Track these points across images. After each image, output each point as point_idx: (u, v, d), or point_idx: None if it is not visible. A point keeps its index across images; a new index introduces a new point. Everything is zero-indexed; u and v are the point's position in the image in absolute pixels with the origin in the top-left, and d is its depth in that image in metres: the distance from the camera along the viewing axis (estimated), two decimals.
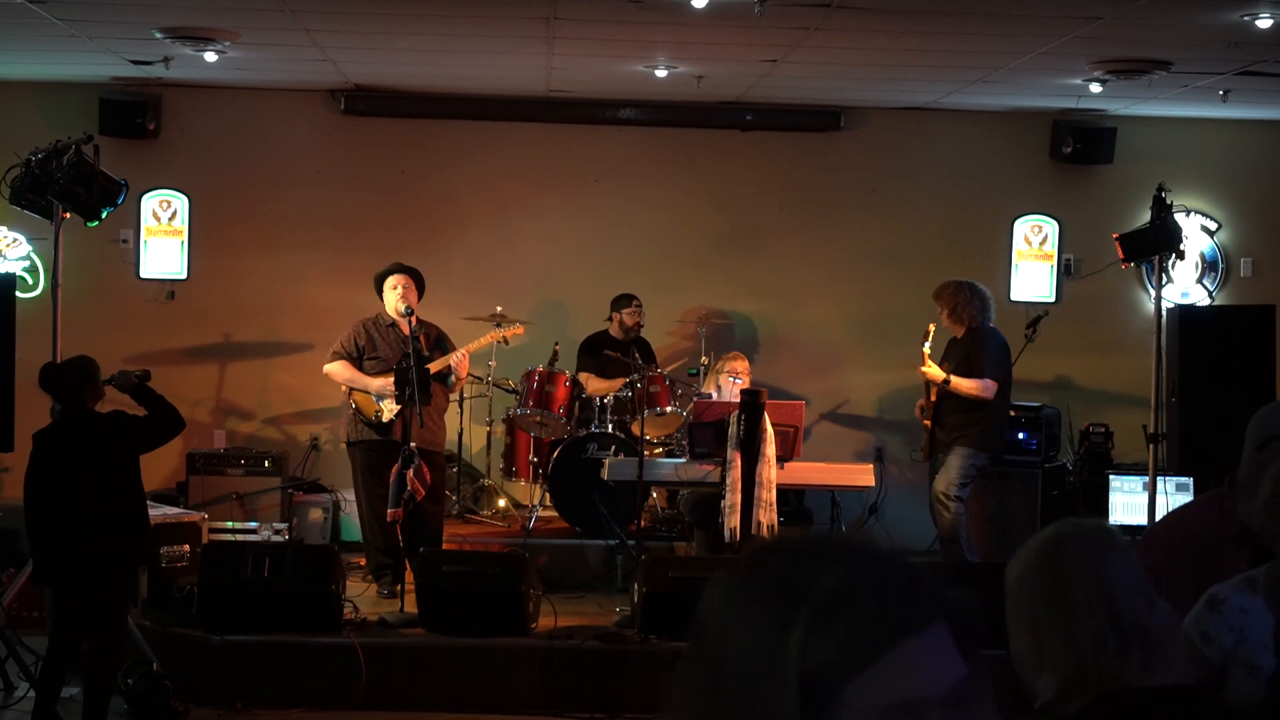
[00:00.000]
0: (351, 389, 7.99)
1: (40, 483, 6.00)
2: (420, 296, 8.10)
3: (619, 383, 9.01)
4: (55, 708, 5.97)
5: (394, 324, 7.97)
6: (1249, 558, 3.24)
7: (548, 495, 8.98)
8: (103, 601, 5.97)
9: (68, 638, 6.01)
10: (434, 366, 7.91)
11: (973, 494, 8.30)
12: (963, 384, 7.95)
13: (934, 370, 8.01)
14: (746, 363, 8.62)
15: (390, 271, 8.05)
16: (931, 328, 8.18)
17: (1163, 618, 2.36)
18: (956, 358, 8.08)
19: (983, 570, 7.24)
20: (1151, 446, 7.62)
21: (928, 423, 8.16)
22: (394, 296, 7.93)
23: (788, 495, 8.97)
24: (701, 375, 9.29)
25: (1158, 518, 7.64)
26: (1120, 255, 7.89)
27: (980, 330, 8.14)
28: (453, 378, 8.07)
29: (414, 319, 7.94)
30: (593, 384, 9.20)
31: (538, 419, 8.92)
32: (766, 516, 7.67)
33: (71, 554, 5.90)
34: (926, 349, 8.07)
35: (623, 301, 9.43)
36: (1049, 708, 2.29)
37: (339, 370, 8.03)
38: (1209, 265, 10.45)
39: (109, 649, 6.00)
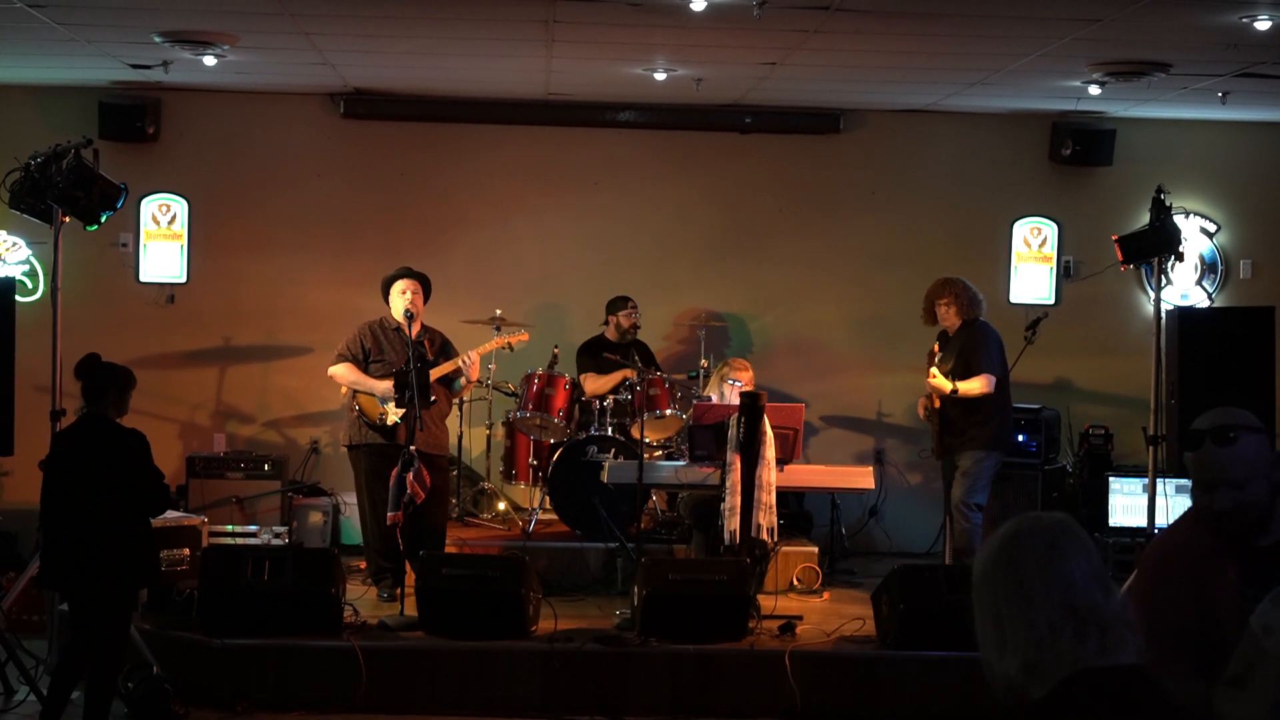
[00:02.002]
0: (355, 392, 7.98)
1: (53, 485, 6.00)
2: (426, 301, 8.10)
3: (617, 376, 9.01)
4: (61, 714, 5.97)
5: (399, 328, 7.97)
6: (1238, 568, 3.26)
7: (547, 498, 8.97)
8: (106, 609, 5.96)
9: (81, 645, 6.00)
10: (441, 370, 7.92)
11: None
12: (970, 389, 7.94)
13: (941, 382, 7.99)
14: (751, 372, 8.60)
15: (399, 276, 8.03)
16: (936, 347, 8.18)
17: (1117, 605, 2.46)
18: (953, 356, 8.07)
19: None
20: (1151, 448, 7.61)
21: (936, 428, 8.14)
22: (403, 302, 7.92)
23: (787, 498, 8.98)
24: (701, 378, 9.29)
25: (1157, 520, 7.64)
26: (1119, 257, 7.88)
27: (974, 325, 8.13)
28: (462, 379, 8.07)
29: (417, 324, 7.94)
30: (591, 383, 9.20)
31: (537, 422, 8.93)
32: (766, 519, 7.67)
33: (78, 560, 5.89)
34: (934, 370, 8.06)
35: (618, 304, 9.45)
36: (1013, 689, 2.42)
37: (343, 373, 8.01)
38: (1208, 267, 10.45)
39: (111, 655, 5.99)
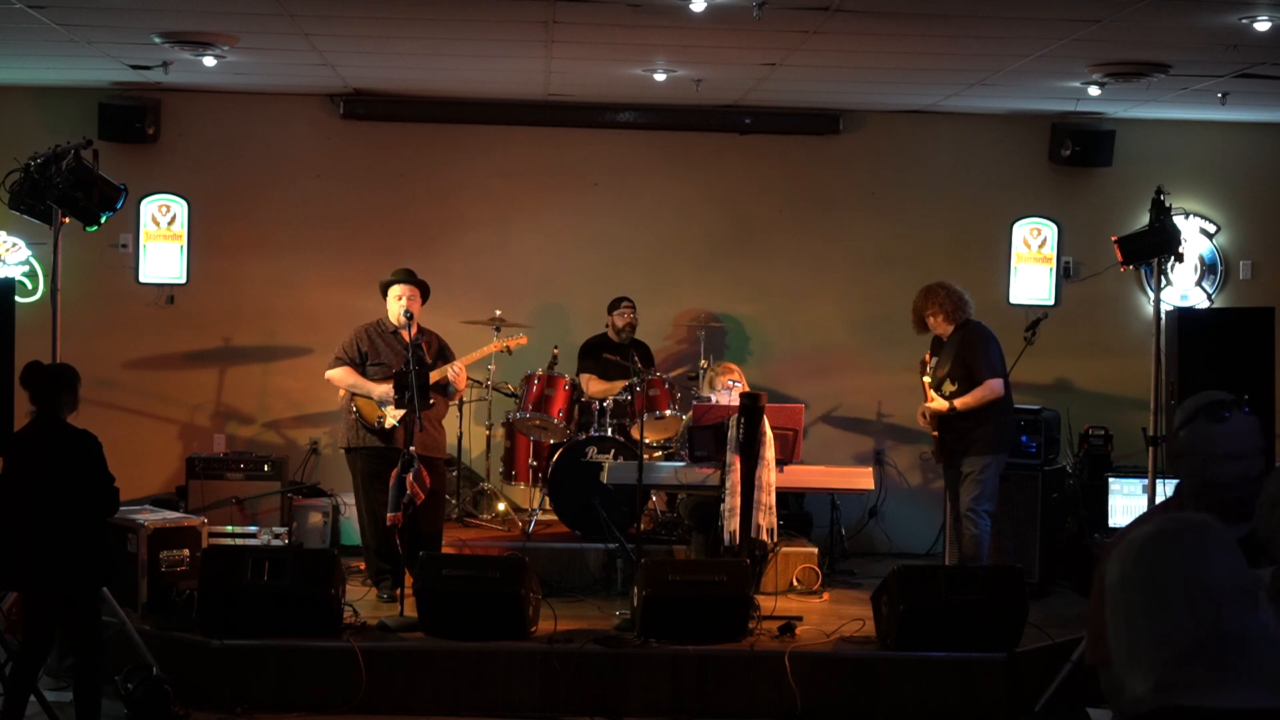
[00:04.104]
0: (353, 394, 7.98)
1: (11, 487, 6.00)
2: (423, 303, 8.10)
3: (619, 385, 9.04)
4: (23, 710, 5.98)
5: (396, 330, 7.97)
6: None
7: (547, 499, 8.98)
8: (68, 610, 5.96)
9: (35, 642, 6.01)
10: (433, 376, 7.92)
11: None
12: (970, 400, 7.89)
13: (939, 404, 7.95)
14: (738, 371, 8.60)
15: (398, 281, 8.02)
16: (927, 357, 8.15)
17: (1261, 625, 2.17)
18: (950, 360, 8.03)
19: (984, 573, 7.24)
20: (1151, 449, 7.61)
21: (935, 433, 8.11)
22: (398, 307, 7.92)
23: (787, 498, 8.99)
24: (700, 378, 9.29)
25: None
26: (1119, 258, 7.88)
27: (967, 327, 8.09)
28: (452, 388, 8.08)
29: (415, 327, 7.94)
30: (594, 386, 9.22)
31: (537, 423, 8.93)
32: (766, 520, 7.66)
33: (38, 561, 5.89)
34: (926, 379, 8.04)
35: (613, 304, 9.51)
36: (1139, 707, 2.18)
37: (341, 376, 8.02)
38: (1208, 268, 10.46)
39: (89, 654, 5.97)
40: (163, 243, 9.98)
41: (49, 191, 6.83)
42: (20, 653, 6.08)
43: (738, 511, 7.62)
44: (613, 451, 8.59)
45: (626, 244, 10.24)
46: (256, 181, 10.07)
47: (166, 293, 9.98)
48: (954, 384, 7.96)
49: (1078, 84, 8.76)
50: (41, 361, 6.18)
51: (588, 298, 9.92)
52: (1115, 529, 8.90)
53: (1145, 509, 7.75)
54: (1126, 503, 9.01)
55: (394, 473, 7.36)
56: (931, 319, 8.13)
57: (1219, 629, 2.14)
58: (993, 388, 7.88)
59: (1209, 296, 10.43)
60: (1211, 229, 10.44)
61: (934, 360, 8.17)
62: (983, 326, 8.14)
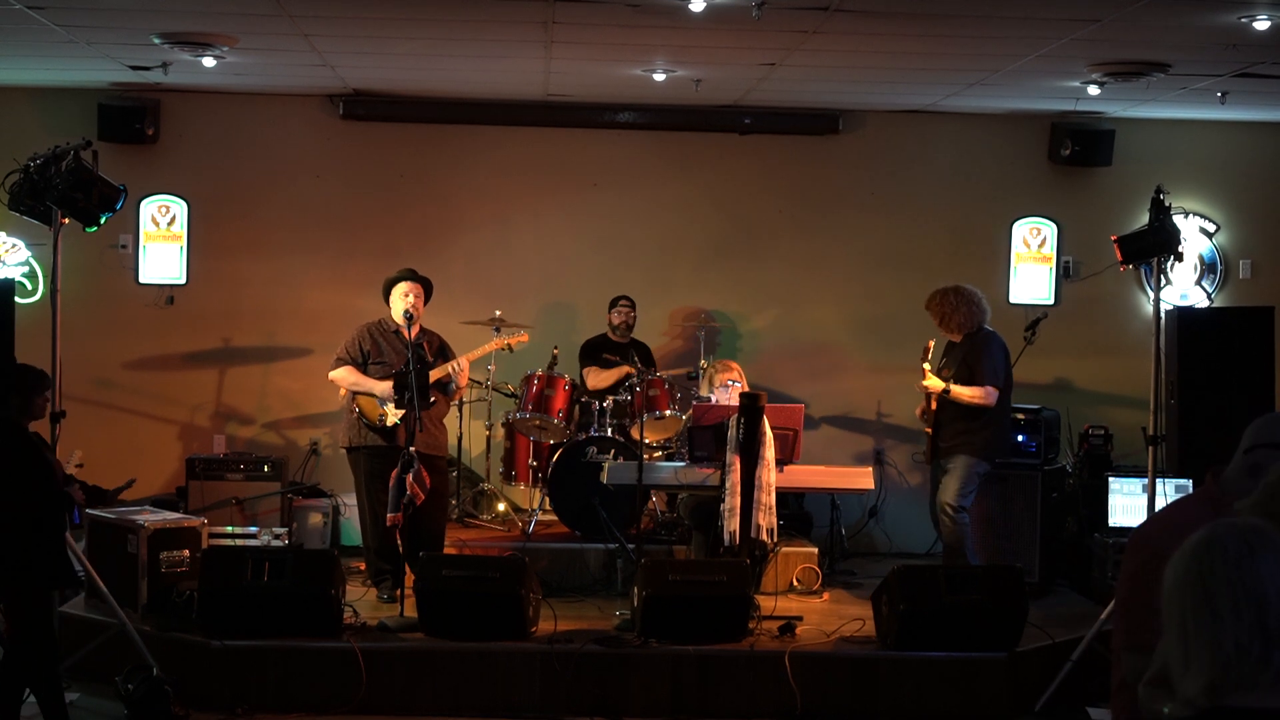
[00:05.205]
0: (354, 394, 7.98)
1: None
2: (426, 303, 8.11)
3: (621, 371, 9.05)
4: (16, 712, 5.98)
5: (398, 330, 7.97)
6: None
7: (547, 499, 8.98)
8: (25, 609, 5.94)
9: (13, 646, 6.00)
10: (435, 374, 7.92)
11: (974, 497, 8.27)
12: (963, 393, 7.91)
13: (933, 381, 7.98)
14: (738, 369, 8.62)
15: (402, 278, 8.03)
16: (931, 344, 8.15)
17: None
18: (955, 363, 8.05)
19: (984, 573, 7.23)
20: (1151, 448, 7.61)
21: (929, 429, 8.13)
22: (403, 304, 7.92)
23: (787, 498, 8.98)
24: (699, 377, 9.30)
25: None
26: (1119, 257, 7.88)
27: (977, 335, 8.10)
28: (453, 385, 8.08)
29: (416, 326, 7.95)
30: (592, 378, 9.25)
31: (537, 423, 8.93)
32: (766, 520, 7.66)
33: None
34: (926, 366, 8.04)
35: (612, 302, 9.53)
36: (1191, 707, 2.23)
37: (344, 375, 8.01)
38: (1208, 267, 10.46)
39: (39, 657, 5.96)
40: (162, 243, 9.98)
41: (49, 192, 6.82)
42: (5, 655, 6.07)
43: (738, 511, 7.62)
44: (613, 451, 8.59)
45: (626, 244, 10.24)
46: (256, 182, 10.07)
47: (166, 293, 9.98)
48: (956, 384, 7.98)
49: (1077, 83, 8.76)
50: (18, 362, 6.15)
51: (588, 298, 9.92)
52: (1115, 528, 8.91)
53: (1146, 508, 7.76)
54: (1126, 502, 9.00)
55: (394, 473, 7.36)
56: (946, 322, 8.13)
57: (1264, 630, 2.19)
58: (988, 393, 7.90)
59: (1209, 296, 10.43)
60: (1211, 228, 10.44)
61: (944, 359, 8.18)
62: (995, 336, 8.14)
